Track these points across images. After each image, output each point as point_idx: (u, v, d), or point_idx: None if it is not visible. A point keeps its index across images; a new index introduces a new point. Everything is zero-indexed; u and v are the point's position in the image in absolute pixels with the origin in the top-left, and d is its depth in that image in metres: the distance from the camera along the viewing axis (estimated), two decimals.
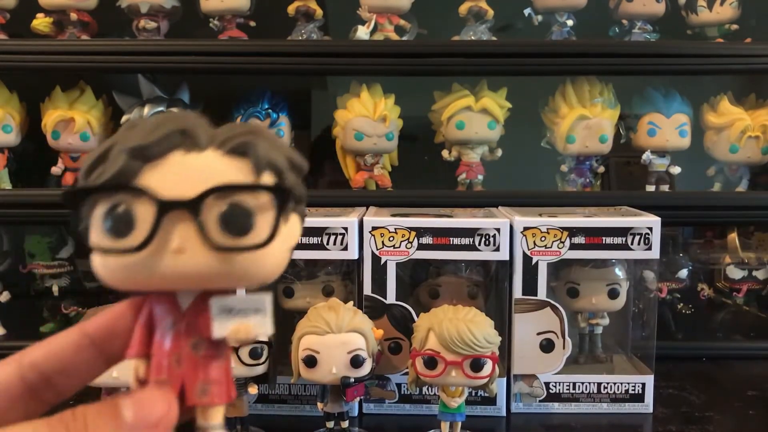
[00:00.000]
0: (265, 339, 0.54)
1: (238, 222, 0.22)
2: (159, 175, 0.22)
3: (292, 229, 0.24)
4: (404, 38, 0.83)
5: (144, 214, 0.22)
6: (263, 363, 0.55)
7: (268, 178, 0.23)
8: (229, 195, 0.22)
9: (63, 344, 0.24)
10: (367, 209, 0.70)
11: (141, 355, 0.24)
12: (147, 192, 0.22)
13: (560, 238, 0.62)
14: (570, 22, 0.84)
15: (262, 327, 0.23)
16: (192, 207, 0.22)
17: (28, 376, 0.23)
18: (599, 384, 0.65)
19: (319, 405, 0.57)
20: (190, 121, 0.23)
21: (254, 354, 0.55)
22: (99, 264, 0.23)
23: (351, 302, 0.59)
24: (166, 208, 0.22)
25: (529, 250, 0.63)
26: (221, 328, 0.23)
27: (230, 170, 0.23)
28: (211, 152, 0.23)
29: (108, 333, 0.24)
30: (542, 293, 0.63)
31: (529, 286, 0.63)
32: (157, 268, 0.22)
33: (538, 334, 0.63)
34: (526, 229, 0.63)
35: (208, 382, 0.24)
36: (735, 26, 0.86)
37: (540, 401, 0.65)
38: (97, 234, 0.22)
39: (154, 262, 0.22)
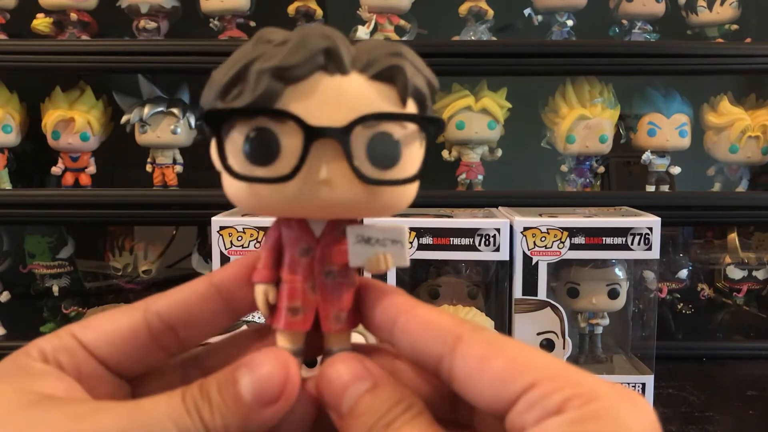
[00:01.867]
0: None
1: (386, 153, 0.21)
2: (302, 99, 0.21)
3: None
4: (404, 38, 0.83)
5: (289, 140, 0.20)
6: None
7: (412, 105, 0.22)
8: (377, 124, 0.21)
9: (189, 294, 0.23)
10: None
11: (270, 280, 0.23)
12: (296, 118, 0.20)
13: (560, 239, 0.62)
14: (570, 22, 0.84)
15: (401, 258, 0.23)
16: (341, 136, 0.21)
17: (154, 324, 0.23)
18: None
19: None
20: (334, 39, 0.21)
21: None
22: (234, 188, 0.21)
23: None
24: (314, 135, 0.20)
25: (529, 250, 0.63)
26: (358, 257, 0.22)
27: (376, 97, 0.21)
28: (356, 76, 0.21)
29: (235, 283, 0.23)
30: (542, 293, 0.63)
31: (529, 286, 0.63)
32: (300, 198, 0.21)
33: (539, 334, 0.63)
34: (526, 229, 0.63)
35: (342, 309, 0.23)
36: (735, 26, 0.86)
37: None
38: (235, 158, 0.21)
39: (299, 192, 0.21)
